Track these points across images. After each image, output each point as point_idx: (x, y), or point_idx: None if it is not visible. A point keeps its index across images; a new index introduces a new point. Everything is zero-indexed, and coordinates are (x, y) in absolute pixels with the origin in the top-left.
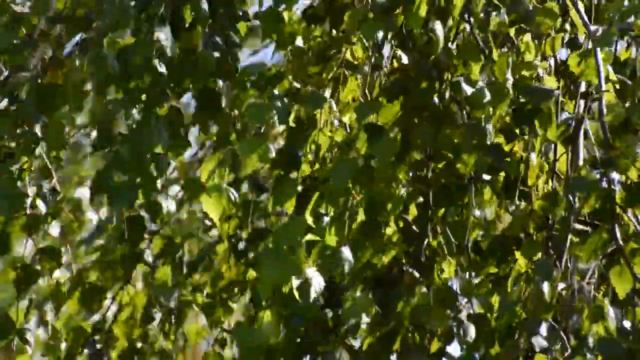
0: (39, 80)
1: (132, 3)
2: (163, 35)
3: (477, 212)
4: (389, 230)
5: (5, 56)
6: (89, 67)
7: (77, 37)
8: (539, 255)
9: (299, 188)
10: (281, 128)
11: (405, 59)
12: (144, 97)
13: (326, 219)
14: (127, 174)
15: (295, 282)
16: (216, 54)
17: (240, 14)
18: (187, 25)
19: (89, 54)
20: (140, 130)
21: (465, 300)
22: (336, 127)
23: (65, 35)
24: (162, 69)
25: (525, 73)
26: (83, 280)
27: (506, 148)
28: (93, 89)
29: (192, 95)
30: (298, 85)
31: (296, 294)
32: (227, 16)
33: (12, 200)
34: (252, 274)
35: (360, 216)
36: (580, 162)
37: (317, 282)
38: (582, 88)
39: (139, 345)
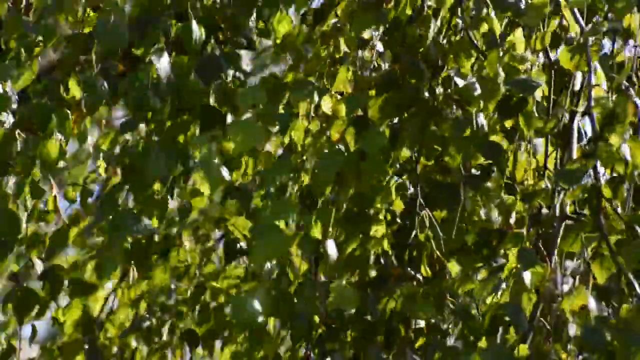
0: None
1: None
2: (161, 62)
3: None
4: (376, 224)
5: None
6: (82, 90)
7: None
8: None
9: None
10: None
11: (379, 48)
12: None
13: None
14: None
15: None
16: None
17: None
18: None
19: (82, 76)
20: (143, 159)
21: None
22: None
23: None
24: (156, 102)
25: (515, 66)
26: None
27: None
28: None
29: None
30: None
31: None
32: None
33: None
34: None
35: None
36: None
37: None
38: (577, 85)
39: (134, 344)
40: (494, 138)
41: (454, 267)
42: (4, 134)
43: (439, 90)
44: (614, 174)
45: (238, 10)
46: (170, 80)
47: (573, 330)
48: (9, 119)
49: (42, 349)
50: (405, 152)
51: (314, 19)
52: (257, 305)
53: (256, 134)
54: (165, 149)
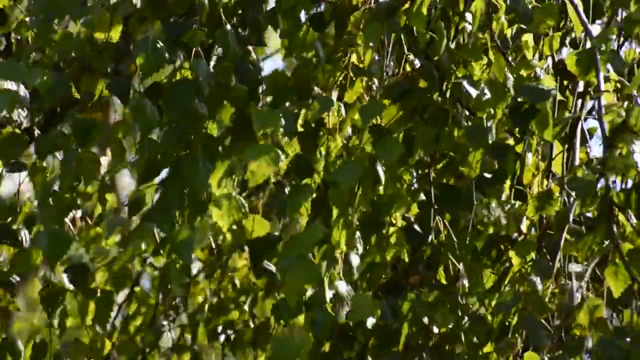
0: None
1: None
2: (200, 70)
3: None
4: (391, 230)
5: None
6: (130, 115)
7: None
8: (532, 254)
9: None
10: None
11: (417, 63)
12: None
13: None
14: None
15: (329, 294)
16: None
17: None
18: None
19: (129, 103)
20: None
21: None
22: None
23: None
24: (204, 109)
25: (523, 72)
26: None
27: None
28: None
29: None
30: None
31: (329, 307)
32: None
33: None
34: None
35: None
36: (577, 162)
37: (347, 294)
38: (580, 88)
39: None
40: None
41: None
42: (12, 133)
43: (448, 94)
44: (625, 182)
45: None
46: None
47: (589, 341)
48: (21, 117)
49: None
50: (419, 158)
51: (314, 25)
52: (296, 347)
53: (274, 159)
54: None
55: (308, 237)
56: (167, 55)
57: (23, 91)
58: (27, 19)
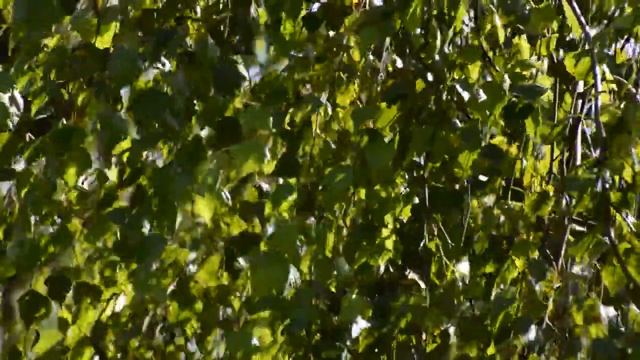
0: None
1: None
2: (176, 79)
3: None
4: (384, 233)
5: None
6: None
7: None
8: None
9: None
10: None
11: (399, 63)
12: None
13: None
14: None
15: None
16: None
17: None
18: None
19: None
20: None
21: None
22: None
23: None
24: (173, 123)
25: (518, 70)
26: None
27: (504, 147)
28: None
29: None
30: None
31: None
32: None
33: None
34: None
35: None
36: (578, 163)
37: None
38: (580, 88)
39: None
40: (496, 141)
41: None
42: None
43: (444, 97)
44: (622, 182)
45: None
46: (185, 96)
47: (585, 340)
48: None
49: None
50: (413, 160)
51: (307, 25)
52: (255, 341)
53: (260, 156)
54: (186, 169)
55: (283, 235)
56: (146, 63)
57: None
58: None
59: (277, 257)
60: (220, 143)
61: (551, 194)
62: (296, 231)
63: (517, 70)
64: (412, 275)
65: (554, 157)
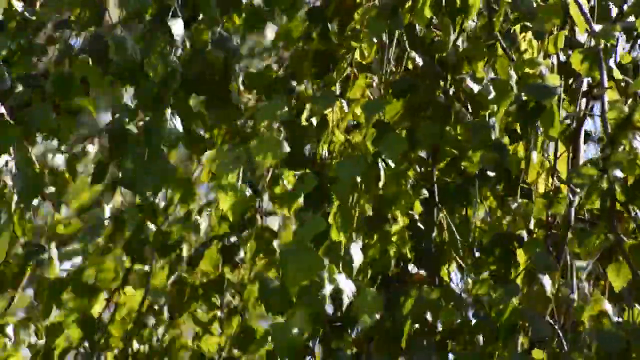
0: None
1: None
2: (176, 29)
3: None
4: (394, 227)
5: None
6: (110, 53)
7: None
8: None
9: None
10: None
11: (419, 60)
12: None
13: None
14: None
15: (327, 288)
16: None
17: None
18: (196, 23)
19: (109, 40)
20: (154, 127)
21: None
22: (349, 126)
23: (76, 34)
24: (178, 66)
25: (528, 70)
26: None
27: (510, 147)
28: (111, 78)
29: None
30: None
31: (328, 300)
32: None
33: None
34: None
35: (367, 212)
36: (581, 160)
37: (349, 288)
38: (584, 86)
39: (135, 346)
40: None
41: (471, 270)
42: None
43: (452, 91)
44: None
45: None
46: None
47: (590, 335)
48: None
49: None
50: (421, 155)
51: (312, 17)
52: (297, 331)
53: (278, 148)
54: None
55: (309, 229)
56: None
57: None
58: None
59: (305, 248)
60: (210, 107)
61: (564, 191)
62: (322, 224)
63: (527, 69)
64: (422, 271)
65: (559, 155)
